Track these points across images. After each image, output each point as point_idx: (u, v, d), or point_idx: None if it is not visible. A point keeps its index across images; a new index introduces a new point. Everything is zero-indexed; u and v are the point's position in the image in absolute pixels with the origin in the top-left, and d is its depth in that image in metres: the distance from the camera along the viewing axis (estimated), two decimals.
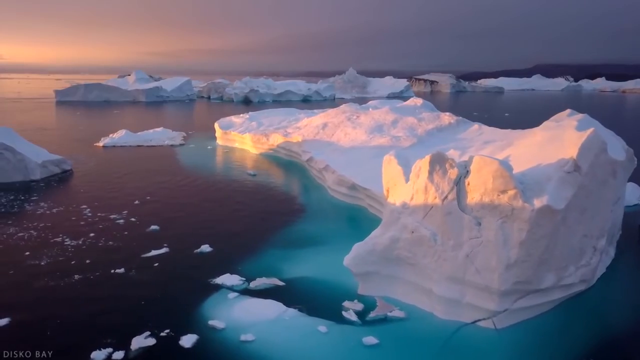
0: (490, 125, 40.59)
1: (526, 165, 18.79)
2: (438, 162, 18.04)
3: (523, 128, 35.51)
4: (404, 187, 20.34)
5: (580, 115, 23.20)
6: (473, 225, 17.18)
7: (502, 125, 42.30)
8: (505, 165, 16.66)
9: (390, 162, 22.96)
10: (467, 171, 17.59)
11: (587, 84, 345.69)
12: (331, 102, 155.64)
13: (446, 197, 17.71)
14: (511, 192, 16.47)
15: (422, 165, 18.71)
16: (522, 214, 16.30)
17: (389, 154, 23.57)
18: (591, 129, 18.32)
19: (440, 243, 17.82)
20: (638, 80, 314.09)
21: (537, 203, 16.27)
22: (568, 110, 26.66)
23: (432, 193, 18.12)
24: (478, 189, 17.18)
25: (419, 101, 50.56)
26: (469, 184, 17.45)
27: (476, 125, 39.13)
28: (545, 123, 25.56)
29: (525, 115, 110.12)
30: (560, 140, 19.63)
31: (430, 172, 18.17)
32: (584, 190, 17.69)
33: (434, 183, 18.08)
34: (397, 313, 18.17)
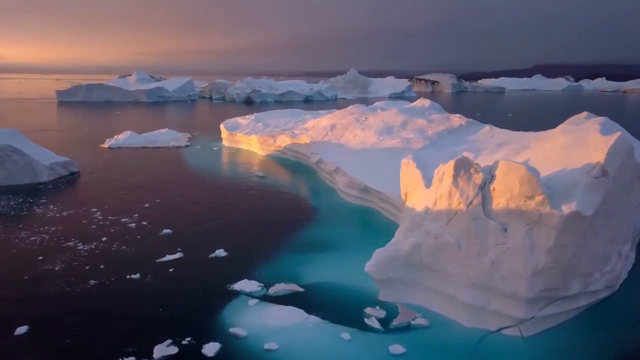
0: (495, 126, 40.30)
1: (549, 170, 18.53)
2: (463, 167, 17.77)
3: (529, 129, 35.25)
4: (425, 192, 20.08)
5: (600, 118, 22.95)
6: (499, 231, 16.92)
7: (508, 126, 41.93)
8: (532, 170, 16.40)
9: (408, 165, 22.71)
10: (492, 176, 17.33)
11: (587, 84, 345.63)
12: (333, 102, 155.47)
13: (471, 202, 17.45)
14: (539, 198, 16.21)
15: (445, 170, 18.44)
16: (550, 220, 16.03)
17: (407, 158, 23.32)
18: (618, 133, 18.07)
19: (464, 249, 17.56)
20: (638, 80, 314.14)
21: (566, 209, 16.01)
22: (585, 113, 26.43)
23: (456, 198, 17.86)
24: (504, 195, 16.91)
25: (426, 102, 50.31)
26: (494, 189, 17.19)
27: (487, 127, 38.88)
28: (563, 126, 25.30)
29: (529, 116, 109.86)
30: (584, 144, 19.37)
31: (455, 177, 17.91)
32: (611, 195, 17.44)
33: (458, 188, 17.81)
34: (420, 320, 17.90)
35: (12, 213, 30.43)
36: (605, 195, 17.06)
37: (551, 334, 17.28)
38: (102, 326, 17.32)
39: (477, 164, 17.66)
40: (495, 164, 17.39)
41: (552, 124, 27.34)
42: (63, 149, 50.85)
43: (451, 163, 18.05)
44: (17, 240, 25.44)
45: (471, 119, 41.84)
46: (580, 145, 19.50)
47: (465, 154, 28.43)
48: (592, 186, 16.80)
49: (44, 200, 33.49)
